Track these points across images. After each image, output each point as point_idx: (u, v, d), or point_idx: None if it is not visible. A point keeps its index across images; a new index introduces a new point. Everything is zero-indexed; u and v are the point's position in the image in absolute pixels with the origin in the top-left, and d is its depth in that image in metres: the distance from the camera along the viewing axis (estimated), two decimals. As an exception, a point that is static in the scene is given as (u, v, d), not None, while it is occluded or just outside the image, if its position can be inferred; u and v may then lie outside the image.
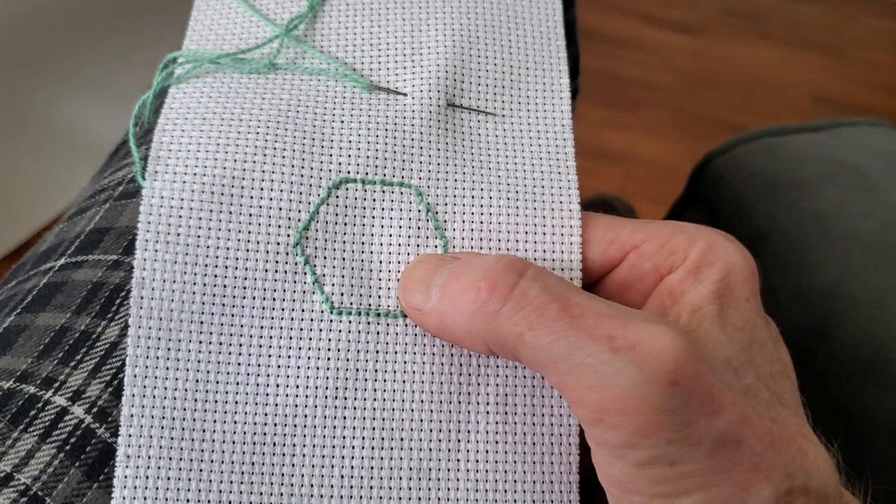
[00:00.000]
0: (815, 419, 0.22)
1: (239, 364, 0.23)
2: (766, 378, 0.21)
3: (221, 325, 0.23)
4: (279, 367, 0.23)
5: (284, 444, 0.23)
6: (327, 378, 0.23)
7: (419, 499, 0.23)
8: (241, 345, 0.23)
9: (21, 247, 0.86)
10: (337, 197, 0.24)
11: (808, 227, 0.41)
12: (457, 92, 0.27)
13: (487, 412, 0.23)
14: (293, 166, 0.24)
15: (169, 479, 0.22)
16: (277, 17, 0.28)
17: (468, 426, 0.23)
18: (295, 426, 0.23)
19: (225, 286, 0.23)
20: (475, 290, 0.21)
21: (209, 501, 0.22)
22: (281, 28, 0.27)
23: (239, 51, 0.27)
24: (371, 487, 0.23)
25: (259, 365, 0.23)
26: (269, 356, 0.23)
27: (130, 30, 0.90)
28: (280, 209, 0.24)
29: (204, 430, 0.22)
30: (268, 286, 0.23)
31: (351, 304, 0.24)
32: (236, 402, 0.23)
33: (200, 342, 0.23)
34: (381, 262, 0.24)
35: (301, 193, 0.24)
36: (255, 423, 0.23)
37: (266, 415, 0.23)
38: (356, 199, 0.24)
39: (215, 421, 0.22)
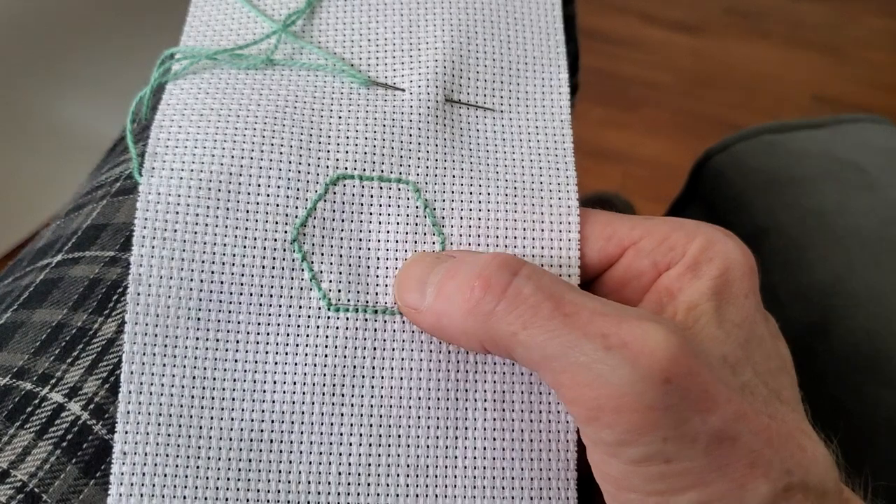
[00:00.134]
0: (814, 416, 0.22)
1: (236, 361, 0.23)
2: (764, 374, 0.21)
3: (218, 321, 0.23)
4: (276, 363, 0.23)
5: (282, 441, 0.22)
6: (325, 375, 0.23)
7: (417, 495, 0.23)
8: (238, 341, 0.23)
9: (20, 246, 0.86)
10: (334, 193, 0.24)
11: (809, 224, 0.41)
12: (455, 87, 0.26)
13: (485, 409, 0.23)
14: (290, 162, 0.24)
15: (166, 475, 0.22)
16: (275, 13, 0.28)
17: (466, 423, 0.23)
18: (292, 423, 0.23)
19: (222, 282, 0.23)
20: (469, 289, 0.21)
21: (206, 498, 0.22)
22: (278, 24, 0.27)
23: (236, 46, 0.27)
24: (368, 484, 0.22)
25: (256, 361, 0.23)
26: (267, 353, 0.23)
27: (130, 30, 0.90)
28: (277, 205, 0.24)
29: (201, 427, 0.22)
30: (265, 282, 0.23)
31: (348, 300, 0.23)
32: (233, 399, 0.23)
33: (197, 339, 0.23)
34: (378, 258, 0.24)
35: (298, 189, 0.24)
36: (253, 420, 0.22)
37: (263, 411, 0.23)
38: (354, 195, 0.24)
39: (212, 417, 0.22)
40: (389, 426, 0.23)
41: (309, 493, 0.22)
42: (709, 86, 1.23)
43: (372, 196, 0.24)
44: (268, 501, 0.22)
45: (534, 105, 0.27)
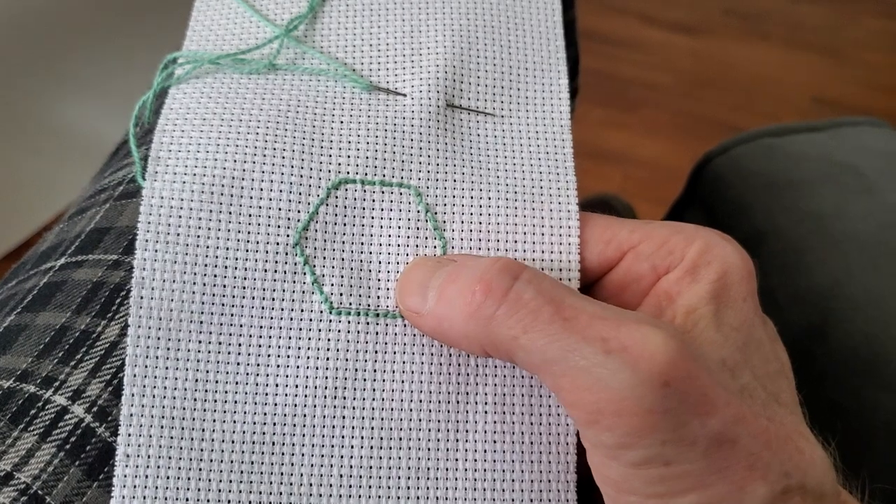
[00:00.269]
0: (812, 419, 0.22)
1: (238, 364, 0.23)
2: (762, 378, 0.21)
3: (221, 324, 0.23)
4: (278, 366, 0.23)
5: (283, 444, 0.23)
6: (326, 378, 0.23)
7: (417, 498, 0.23)
8: (240, 344, 0.23)
9: (21, 246, 0.86)
10: (336, 197, 0.24)
11: (807, 227, 0.41)
12: (456, 92, 0.27)
13: (486, 412, 0.23)
14: (293, 167, 0.24)
15: (168, 478, 0.22)
16: (277, 18, 0.28)
17: (466, 426, 0.23)
18: (294, 425, 0.23)
19: (224, 286, 0.23)
20: (471, 293, 0.21)
21: (208, 500, 0.22)
22: (281, 28, 0.28)
23: (239, 51, 0.27)
24: (370, 487, 0.23)
25: (258, 364, 0.23)
26: (269, 356, 0.23)
27: (130, 30, 0.90)
28: (279, 209, 0.24)
29: (203, 430, 0.22)
30: (267, 286, 0.23)
31: (350, 304, 0.24)
32: (235, 402, 0.23)
33: (200, 342, 0.23)
34: (380, 262, 0.24)
35: (300, 194, 0.24)
36: (255, 423, 0.23)
37: (265, 414, 0.23)
38: (355, 199, 0.24)
39: (214, 420, 0.22)
40: (391, 429, 0.23)
41: (311, 495, 0.22)
42: (708, 87, 1.23)
43: (374, 200, 0.25)
44: (270, 503, 0.22)
45: (534, 110, 0.27)
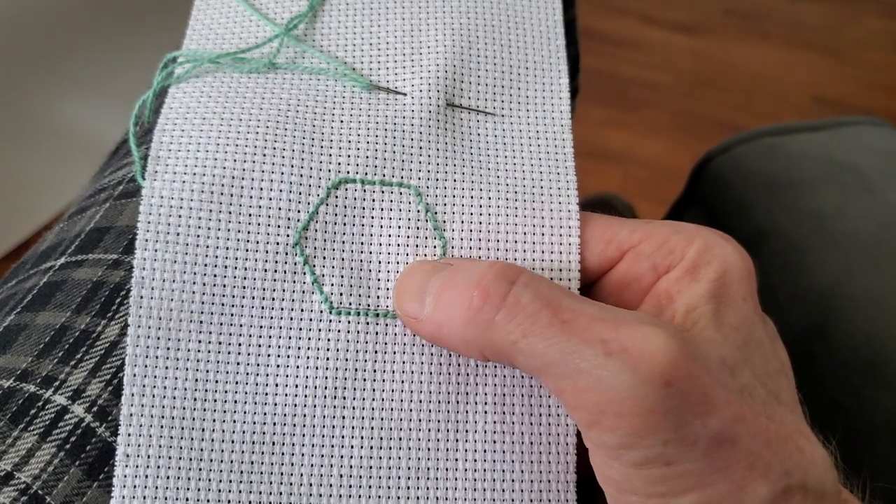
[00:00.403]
0: (813, 419, 0.22)
1: (238, 363, 0.23)
2: (762, 377, 0.21)
3: (221, 324, 0.23)
4: (278, 366, 0.23)
5: (283, 444, 0.23)
6: (326, 378, 0.23)
7: (417, 498, 0.23)
8: (240, 344, 0.23)
9: (21, 246, 0.86)
10: (336, 197, 0.24)
11: (808, 226, 0.41)
12: (456, 92, 0.27)
13: (485, 412, 0.23)
14: (293, 166, 0.24)
15: (168, 478, 0.22)
16: (277, 17, 0.28)
17: (466, 426, 0.23)
18: (294, 425, 0.23)
19: (224, 286, 0.23)
20: (468, 298, 0.21)
21: (208, 500, 0.22)
22: (281, 27, 0.28)
23: (239, 50, 0.27)
24: (370, 486, 0.23)
25: (258, 364, 0.23)
26: (269, 356, 0.23)
27: (130, 30, 0.90)
28: (279, 209, 0.24)
29: (203, 430, 0.22)
30: (267, 286, 0.23)
31: (350, 304, 0.24)
32: (235, 402, 0.23)
33: (200, 341, 0.23)
34: (380, 262, 0.24)
35: (300, 193, 0.24)
36: (255, 423, 0.23)
37: (265, 414, 0.23)
38: (355, 199, 0.24)
39: (214, 420, 0.22)
40: (391, 428, 0.23)
41: (311, 495, 0.22)
42: (709, 87, 1.23)
43: (374, 200, 0.25)
44: (270, 503, 0.22)
45: (534, 109, 0.27)
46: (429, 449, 0.23)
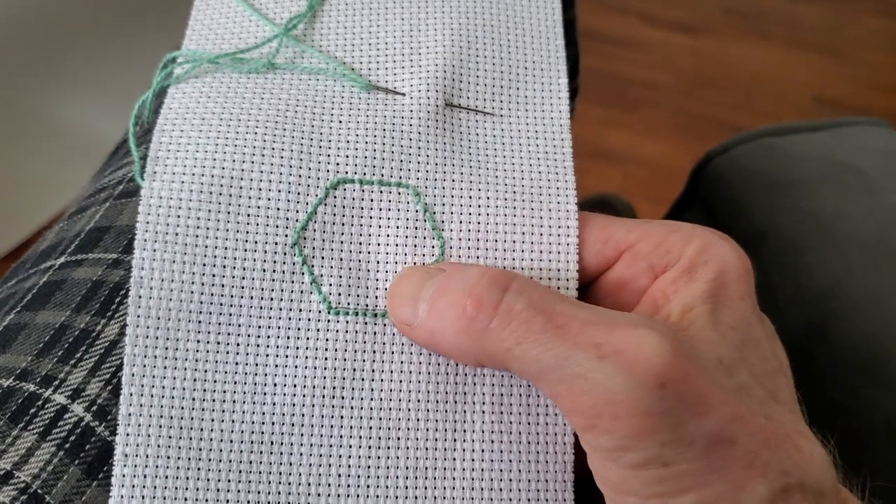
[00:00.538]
0: (812, 418, 0.22)
1: (237, 363, 0.23)
2: (760, 376, 0.21)
3: (219, 324, 0.23)
4: (277, 366, 0.23)
5: (282, 444, 0.23)
6: (325, 378, 0.23)
7: (416, 498, 0.23)
8: (238, 344, 0.23)
9: (21, 246, 0.86)
10: (335, 197, 0.24)
11: (807, 226, 0.41)
12: (455, 92, 0.27)
13: (483, 412, 0.23)
14: (291, 166, 0.24)
15: (167, 477, 0.22)
16: (276, 17, 0.28)
17: (464, 425, 0.23)
18: (292, 425, 0.23)
19: (223, 286, 0.23)
20: (461, 307, 0.21)
21: (207, 500, 0.22)
22: (280, 27, 0.28)
23: (238, 50, 0.27)
24: (368, 486, 0.23)
25: (257, 364, 0.23)
26: (267, 356, 0.23)
27: (130, 30, 0.90)
28: (278, 209, 0.24)
29: (202, 429, 0.22)
30: (266, 286, 0.23)
31: (348, 304, 0.24)
32: (234, 402, 0.23)
33: (198, 341, 0.23)
34: (378, 262, 0.24)
35: (299, 194, 0.24)
36: (253, 423, 0.23)
37: (264, 414, 0.23)
38: (354, 199, 0.24)
39: (213, 420, 0.22)
40: (388, 428, 0.23)
41: (309, 494, 0.22)
42: (708, 86, 1.23)
43: (372, 200, 0.25)
44: (268, 503, 0.22)
45: (533, 110, 0.27)
46: (427, 449, 0.23)
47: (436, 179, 0.25)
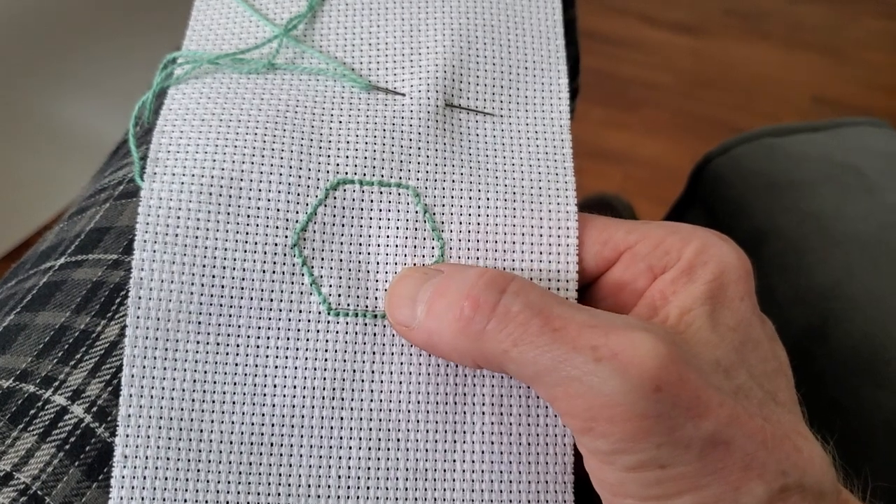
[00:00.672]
0: (812, 419, 0.22)
1: (236, 364, 0.23)
2: (759, 377, 0.21)
3: (219, 325, 0.23)
4: (276, 367, 0.23)
5: (282, 445, 0.23)
6: (324, 379, 0.23)
7: (415, 499, 0.23)
8: (238, 345, 0.23)
9: (21, 246, 0.86)
10: (335, 198, 0.24)
11: (808, 227, 0.41)
12: (455, 92, 0.27)
13: (483, 413, 0.23)
14: (291, 167, 0.24)
15: (166, 479, 0.22)
16: (277, 17, 0.28)
17: (464, 427, 0.23)
18: (292, 426, 0.23)
19: (223, 287, 0.23)
20: (459, 308, 0.21)
21: (206, 501, 0.22)
22: (280, 28, 0.28)
23: (238, 51, 0.27)
24: (368, 488, 0.23)
25: (256, 365, 0.23)
26: (267, 357, 0.23)
27: (130, 30, 0.90)
28: (278, 210, 0.24)
29: (201, 431, 0.22)
30: (265, 287, 0.23)
31: (348, 305, 0.24)
32: (234, 403, 0.23)
33: (198, 342, 0.23)
34: (378, 263, 0.24)
35: (299, 194, 0.24)
36: (253, 424, 0.23)
37: (263, 415, 0.23)
38: (354, 200, 0.24)
39: (213, 421, 0.22)
40: (388, 430, 0.23)
41: (308, 496, 0.22)
42: (709, 87, 1.23)
43: (372, 201, 0.25)
44: (268, 504, 0.22)
45: (533, 110, 0.27)
46: (427, 450, 0.23)
47: (436, 180, 0.25)
